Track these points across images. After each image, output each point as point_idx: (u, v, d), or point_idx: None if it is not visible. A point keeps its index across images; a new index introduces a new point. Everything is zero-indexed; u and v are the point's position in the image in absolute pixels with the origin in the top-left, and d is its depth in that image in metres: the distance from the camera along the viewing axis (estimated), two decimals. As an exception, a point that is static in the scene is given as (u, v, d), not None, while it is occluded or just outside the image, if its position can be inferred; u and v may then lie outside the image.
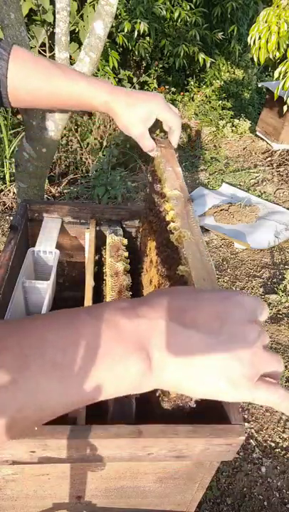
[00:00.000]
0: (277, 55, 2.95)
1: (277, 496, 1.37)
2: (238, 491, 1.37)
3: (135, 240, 0.99)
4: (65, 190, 2.80)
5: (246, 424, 1.58)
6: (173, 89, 4.47)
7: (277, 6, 2.88)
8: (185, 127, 4.04)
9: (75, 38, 3.35)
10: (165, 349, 0.31)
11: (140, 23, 3.67)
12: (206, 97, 4.53)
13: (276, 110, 3.68)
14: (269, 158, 3.77)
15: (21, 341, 0.29)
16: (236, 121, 4.26)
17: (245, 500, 1.35)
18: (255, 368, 0.31)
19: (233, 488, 1.37)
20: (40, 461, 0.47)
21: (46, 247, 0.87)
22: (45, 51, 3.22)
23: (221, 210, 2.84)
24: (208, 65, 4.21)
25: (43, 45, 3.27)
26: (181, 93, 4.59)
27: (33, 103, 0.69)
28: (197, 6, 4.15)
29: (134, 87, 3.99)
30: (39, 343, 0.29)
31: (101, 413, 0.54)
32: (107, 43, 3.67)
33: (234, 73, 5.05)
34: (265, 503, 1.35)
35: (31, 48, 3.12)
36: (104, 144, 3.17)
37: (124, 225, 0.97)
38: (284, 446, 1.52)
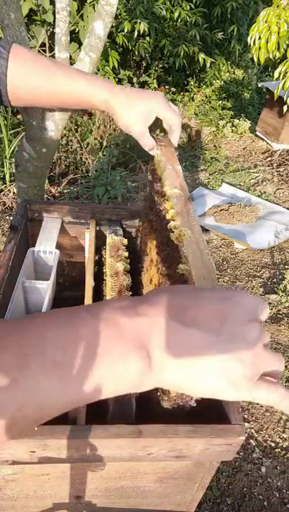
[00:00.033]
0: (277, 55, 2.95)
1: (277, 495, 1.37)
2: (238, 491, 1.37)
3: (135, 239, 0.99)
4: (65, 190, 2.80)
5: (246, 424, 1.58)
6: (173, 89, 4.47)
7: (277, 6, 2.88)
8: (185, 127, 4.04)
9: (75, 38, 3.35)
10: (165, 348, 0.30)
11: (140, 23, 3.67)
12: (206, 97, 4.53)
13: (276, 110, 3.68)
14: (269, 158, 3.77)
15: (21, 340, 0.29)
16: (236, 121, 4.27)
17: (245, 500, 1.34)
18: (256, 368, 0.31)
19: (233, 488, 1.37)
20: (40, 461, 0.47)
21: (46, 247, 0.87)
22: (45, 51, 3.22)
23: (221, 210, 2.84)
24: (208, 65, 4.21)
25: (43, 45, 3.27)
26: (181, 93, 4.59)
27: (32, 101, 0.69)
28: (197, 6, 4.15)
29: (134, 87, 3.98)
30: (39, 342, 0.29)
31: (101, 413, 0.54)
32: (107, 43, 3.67)
33: (234, 73, 5.05)
34: (265, 503, 1.34)
35: (31, 48, 3.11)
36: (104, 143, 3.17)
37: (124, 225, 0.97)
38: (284, 446, 1.51)
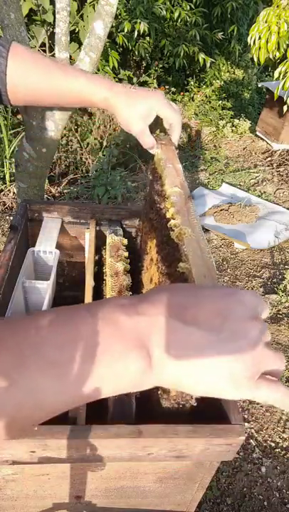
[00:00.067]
0: (277, 55, 2.95)
1: (277, 495, 1.37)
2: (238, 491, 1.37)
3: (135, 239, 0.99)
4: (65, 190, 2.80)
5: (246, 424, 1.58)
6: (173, 89, 4.47)
7: (277, 6, 2.88)
8: (185, 127, 4.04)
9: (75, 38, 3.35)
10: (165, 346, 0.30)
11: (140, 23, 3.67)
12: (206, 97, 4.53)
13: (276, 110, 3.68)
14: (269, 158, 3.77)
15: (20, 341, 0.29)
16: (236, 121, 4.26)
17: (245, 500, 1.34)
18: (257, 367, 0.31)
19: (233, 488, 1.37)
20: (40, 461, 0.46)
21: (46, 247, 0.86)
22: (45, 51, 3.22)
23: (221, 210, 2.84)
24: (208, 65, 4.21)
25: (43, 45, 3.27)
26: (181, 93, 4.59)
27: (32, 100, 0.69)
28: (197, 6, 4.15)
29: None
30: (37, 342, 0.29)
31: (101, 413, 0.54)
32: (107, 43, 3.67)
33: (234, 73, 5.05)
34: (265, 503, 1.34)
35: (31, 48, 3.11)
36: (104, 143, 3.17)
37: (124, 225, 0.97)
38: (284, 446, 1.51)
